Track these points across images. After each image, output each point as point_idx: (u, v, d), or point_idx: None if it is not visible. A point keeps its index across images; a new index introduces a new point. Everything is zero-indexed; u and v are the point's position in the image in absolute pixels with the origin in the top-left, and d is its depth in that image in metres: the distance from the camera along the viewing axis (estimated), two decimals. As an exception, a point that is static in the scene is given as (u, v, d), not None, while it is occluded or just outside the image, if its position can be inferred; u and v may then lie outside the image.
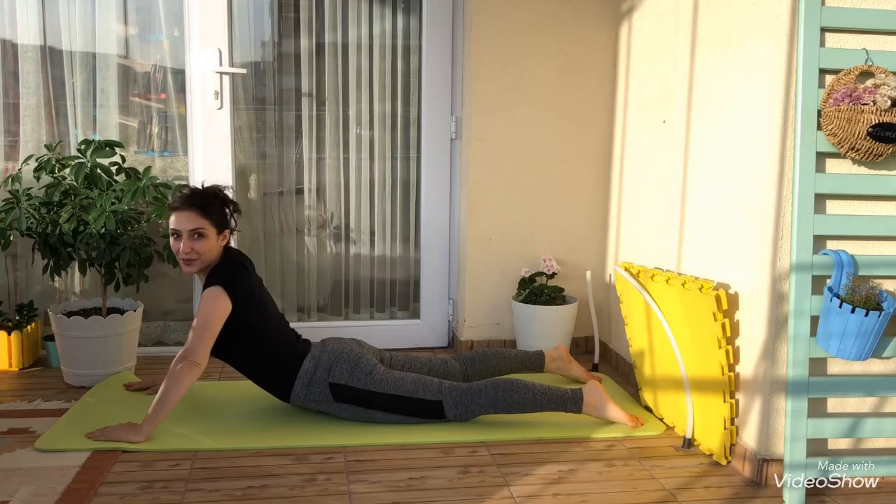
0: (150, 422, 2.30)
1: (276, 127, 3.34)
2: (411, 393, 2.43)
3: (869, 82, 1.95)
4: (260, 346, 2.47)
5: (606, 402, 2.47)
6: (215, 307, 2.36)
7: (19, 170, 2.97)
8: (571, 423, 2.50)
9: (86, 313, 2.91)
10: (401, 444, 2.35)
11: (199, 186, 2.53)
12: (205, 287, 2.41)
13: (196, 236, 2.41)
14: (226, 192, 2.55)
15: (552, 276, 3.17)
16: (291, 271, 3.43)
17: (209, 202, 2.46)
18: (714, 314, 2.17)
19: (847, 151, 1.98)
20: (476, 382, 2.49)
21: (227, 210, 2.52)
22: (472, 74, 3.14)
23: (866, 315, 1.91)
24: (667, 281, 2.39)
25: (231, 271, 2.44)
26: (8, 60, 3.14)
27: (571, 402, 2.46)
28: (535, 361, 2.83)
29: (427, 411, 2.45)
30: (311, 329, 3.32)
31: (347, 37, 3.33)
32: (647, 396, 2.67)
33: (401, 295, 3.53)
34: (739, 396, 2.24)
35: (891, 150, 1.95)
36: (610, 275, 3.24)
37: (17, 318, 3.05)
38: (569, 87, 3.22)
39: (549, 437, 2.42)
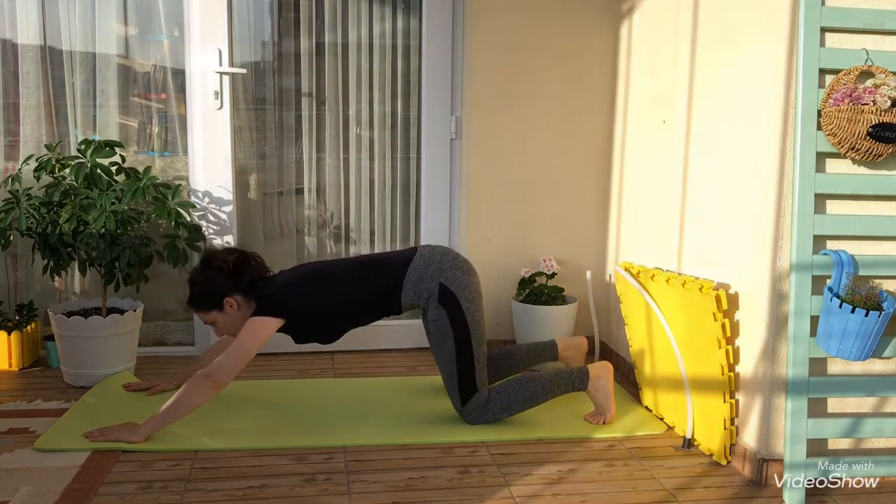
0: (153, 425, 2.29)
1: (276, 127, 3.34)
2: (477, 360, 2.42)
3: (869, 82, 1.95)
4: (361, 300, 2.45)
5: (609, 387, 2.49)
6: (254, 335, 2.34)
7: (19, 170, 2.97)
8: (571, 423, 2.50)
9: (86, 313, 2.90)
10: (401, 444, 2.35)
11: (195, 272, 2.50)
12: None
13: (211, 324, 2.52)
14: (216, 258, 2.47)
15: (552, 276, 3.17)
16: (291, 271, 3.43)
17: (197, 297, 2.47)
18: (714, 314, 2.17)
19: (847, 151, 1.98)
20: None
21: (223, 276, 2.44)
22: (472, 74, 3.14)
23: (866, 315, 1.91)
24: (667, 281, 2.39)
25: (269, 304, 2.40)
26: (8, 60, 3.14)
27: (578, 378, 2.49)
28: (548, 353, 2.80)
29: (467, 384, 2.43)
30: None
31: (347, 37, 3.33)
32: (647, 396, 2.67)
33: (401, 295, 3.53)
34: (739, 396, 2.24)
35: (891, 150, 1.96)
36: (610, 275, 3.24)
37: (17, 318, 3.05)
38: (569, 87, 3.22)
39: (549, 437, 2.42)
